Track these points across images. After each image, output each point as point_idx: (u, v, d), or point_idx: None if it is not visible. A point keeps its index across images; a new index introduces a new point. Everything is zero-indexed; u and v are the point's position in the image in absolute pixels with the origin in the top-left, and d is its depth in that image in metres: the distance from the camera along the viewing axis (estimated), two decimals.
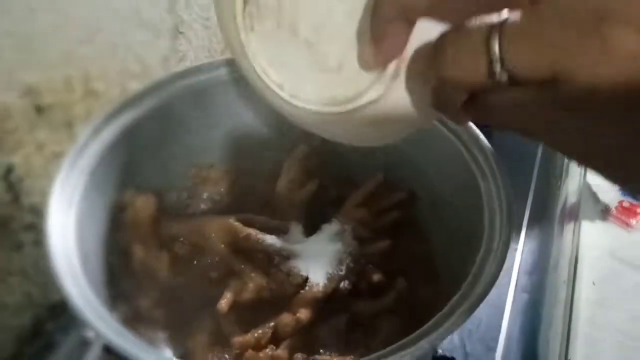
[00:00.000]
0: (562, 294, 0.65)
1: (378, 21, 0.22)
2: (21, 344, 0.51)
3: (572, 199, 0.79)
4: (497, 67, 0.19)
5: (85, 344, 0.49)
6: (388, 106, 0.23)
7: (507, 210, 0.33)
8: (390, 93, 0.23)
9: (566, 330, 0.63)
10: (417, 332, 0.27)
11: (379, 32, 0.22)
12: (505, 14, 0.19)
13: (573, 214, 0.79)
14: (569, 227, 0.75)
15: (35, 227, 0.49)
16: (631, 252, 0.77)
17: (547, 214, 0.65)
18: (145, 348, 0.26)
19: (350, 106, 0.23)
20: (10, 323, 0.50)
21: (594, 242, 0.79)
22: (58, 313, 0.53)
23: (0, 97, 0.43)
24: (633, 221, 0.82)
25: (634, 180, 0.21)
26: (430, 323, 0.28)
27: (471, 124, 0.39)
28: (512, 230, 0.32)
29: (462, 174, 0.38)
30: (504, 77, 0.19)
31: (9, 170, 0.45)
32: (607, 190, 0.88)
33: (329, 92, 0.24)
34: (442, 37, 0.21)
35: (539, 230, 0.62)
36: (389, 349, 0.26)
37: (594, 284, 0.72)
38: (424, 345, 0.26)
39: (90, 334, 0.49)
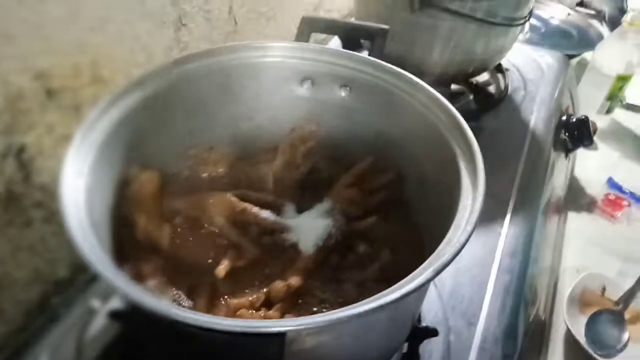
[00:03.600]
0: (546, 279, 0.68)
1: None
2: (28, 317, 0.53)
3: (558, 192, 0.82)
4: None
5: (89, 315, 0.52)
6: None
7: (478, 186, 0.35)
8: None
9: (549, 311, 0.66)
10: (393, 286, 0.29)
11: None
12: None
13: (559, 206, 0.82)
14: (555, 218, 0.77)
15: (45, 205, 0.51)
16: (615, 243, 0.80)
17: (531, 203, 0.68)
18: (158, 299, 0.28)
19: None
20: (19, 297, 0.52)
21: (579, 232, 0.82)
22: (64, 288, 0.55)
23: (14, 79, 0.44)
24: (618, 213, 0.85)
25: None
26: (409, 276, 0.30)
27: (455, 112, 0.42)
28: (480, 200, 0.34)
29: (445, 155, 0.41)
30: None
31: (22, 149, 0.47)
32: (595, 184, 0.91)
33: None
34: None
35: (523, 218, 0.64)
36: (370, 299, 0.28)
37: (577, 271, 0.75)
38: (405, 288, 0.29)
39: (95, 305, 0.52)
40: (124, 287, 0.27)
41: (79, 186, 0.33)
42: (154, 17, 0.59)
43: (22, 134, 0.47)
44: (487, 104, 0.82)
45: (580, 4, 1.46)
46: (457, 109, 0.58)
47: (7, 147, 0.46)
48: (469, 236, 0.31)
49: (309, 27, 0.52)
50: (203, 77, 0.46)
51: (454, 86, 0.85)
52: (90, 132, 0.37)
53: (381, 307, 0.27)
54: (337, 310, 0.27)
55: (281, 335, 0.26)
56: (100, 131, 0.38)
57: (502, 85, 0.87)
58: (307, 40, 0.52)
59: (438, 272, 0.29)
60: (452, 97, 0.83)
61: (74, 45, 0.50)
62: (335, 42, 0.90)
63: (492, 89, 0.88)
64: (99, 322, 0.50)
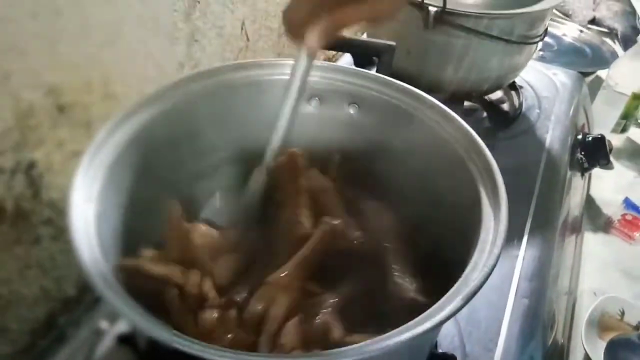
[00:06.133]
0: (563, 303, 0.66)
1: None
2: (35, 336, 0.52)
3: (575, 212, 0.80)
4: None
5: (97, 335, 0.51)
6: None
7: (501, 206, 0.35)
8: None
9: (567, 336, 0.64)
10: (422, 315, 0.28)
11: None
12: None
13: (576, 227, 0.80)
14: (571, 239, 0.76)
15: (54, 222, 0.50)
16: (632, 264, 0.78)
17: (548, 225, 0.66)
18: (167, 329, 0.27)
19: None
20: (26, 316, 0.51)
21: (596, 253, 0.80)
22: (71, 307, 0.54)
23: (25, 95, 0.44)
24: (636, 234, 0.83)
25: None
26: (438, 304, 0.29)
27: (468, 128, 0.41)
28: (504, 225, 0.33)
29: (459, 174, 0.40)
30: None
31: (31, 165, 0.46)
32: (611, 204, 0.90)
33: None
34: None
35: (541, 240, 0.63)
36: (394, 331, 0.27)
37: (595, 294, 0.73)
38: (430, 324, 0.28)
39: (103, 326, 0.51)
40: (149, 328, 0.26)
41: (88, 212, 0.32)
42: (166, 33, 0.58)
43: (32, 150, 0.46)
44: (501, 122, 0.81)
45: (592, 22, 1.46)
46: (470, 126, 0.58)
47: (17, 163, 0.45)
48: (497, 259, 0.31)
49: None
50: (211, 95, 0.45)
51: (467, 103, 0.84)
52: (98, 154, 0.36)
53: (416, 336, 0.27)
54: (369, 342, 0.26)
55: None
56: (108, 153, 0.37)
57: (517, 103, 0.86)
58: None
59: (469, 299, 0.28)
60: (466, 114, 0.82)
61: (86, 60, 0.49)
62: (346, 59, 0.90)
63: (506, 106, 0.87)
64: (108, 344, 0.49)
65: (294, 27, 0.37)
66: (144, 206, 0.39)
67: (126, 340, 0.45)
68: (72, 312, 0.54)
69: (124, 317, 0.26)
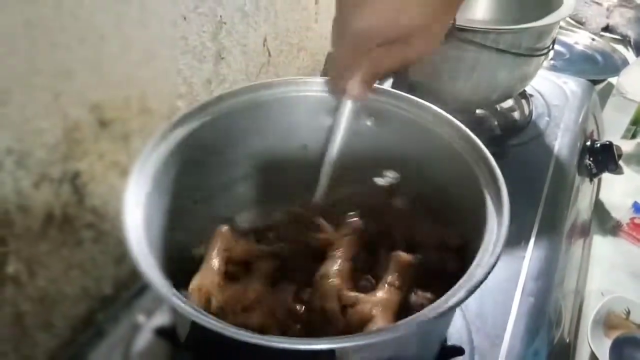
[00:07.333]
0: (571, 302, 0.69)
1: None
2: (76, 331, 0.56)
3: (583, 215, 0.83)
4: None
5: (135, 329, 0.55)
6: None
7: (503, 212, 0.38)
8: None
9: (573, 334, 0.67)
10: (428, 307, 0.32)
11: None
12: None
13: (584, 230, 0.83)
14: (580, 241, 0.78)
15: (95, 226, 0.54)
16: None
17: (555, 227, 0.69)
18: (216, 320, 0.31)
19: None
20: (68, 313, 0.55)
21: (604, 255, 0.83)
22: (108, 305, 0.59)
23: (72, 112, 0.48)
24: None
25: None
26: (444, 297, 0.33)
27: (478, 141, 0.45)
28: (505, 227, 0.37)
29: (469, 183, 0.44)
30: None
31: (76, 175, 0.51)
32: (620, 208, 0.92)
33: None
34: None
35: (547, 242, 0.66)
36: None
37: (602, 294, 0.76)
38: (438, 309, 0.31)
39: (140, 320, 0.55)
40: (191, 312, 0.31)
41: (137, 215, 0.37)
42: (195, 52, 0.63)
43: (77, 161, 0.50)
44: (511, 130, 0.84)
45: (606, 29, 1.48)
46: (481, 134, 0.62)
47: (64, 174, 0.49)
48: (498, 257, 0.34)
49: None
50: (241, 112, 0.50)
51: (478, 111, 0.88)
52: (145, 165, 0.41)
53: (422, 323, 0.30)
54: (381, 329, 0.30)
55: (331, 352, 0.29)
56: (152, 164, 0.41)
57: (527, 111, 0.89)
58: None
59: (472, 292, 0.32)
60: (476, 122, 0.85)
61: (125, 79, 0.53)
62: None
63: (516, 114, 0.90)
64: (145, 338, 0.53)
65: (336, 84, 0.45)
66: (183, 211, 0.44)
67: (163, 333, 0.49)
68: (109, 310, 0.58)
69: (166, 301, 0.31)
